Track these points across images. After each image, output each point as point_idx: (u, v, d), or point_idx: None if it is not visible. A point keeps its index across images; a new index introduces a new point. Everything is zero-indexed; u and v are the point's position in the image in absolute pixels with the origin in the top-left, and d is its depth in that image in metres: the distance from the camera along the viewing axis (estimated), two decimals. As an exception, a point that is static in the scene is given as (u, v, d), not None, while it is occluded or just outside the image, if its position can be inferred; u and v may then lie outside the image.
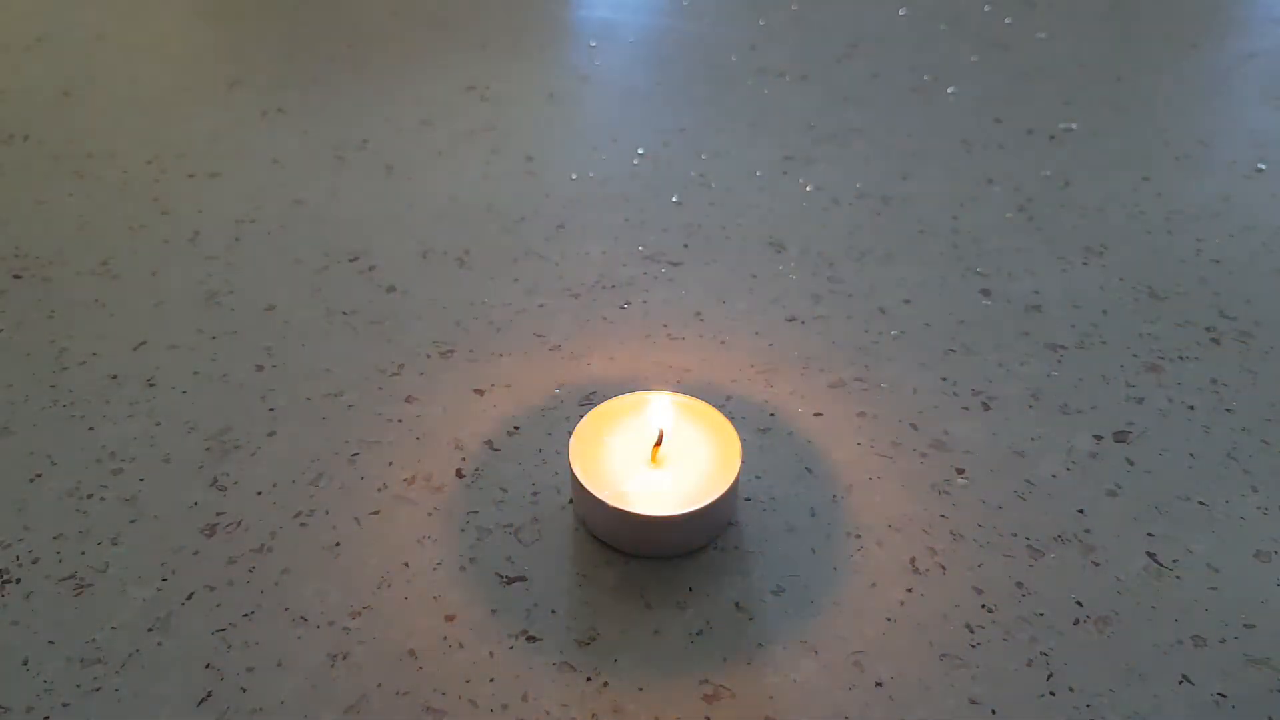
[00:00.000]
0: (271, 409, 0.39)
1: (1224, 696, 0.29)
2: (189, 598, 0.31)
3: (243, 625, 0.31)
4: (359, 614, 0.31)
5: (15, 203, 0.51)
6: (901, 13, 0.73)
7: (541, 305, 0.44)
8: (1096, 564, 0.33)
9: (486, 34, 0.70)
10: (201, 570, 0.32)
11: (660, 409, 0.35)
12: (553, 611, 0.31)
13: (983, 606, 0.31)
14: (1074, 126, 0.58)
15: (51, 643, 0.30)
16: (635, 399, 0.35)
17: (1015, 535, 0.34)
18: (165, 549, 0.33)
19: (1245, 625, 0.31)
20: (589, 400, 0.39)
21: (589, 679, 0.29)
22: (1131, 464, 0.36)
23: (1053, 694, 0.29)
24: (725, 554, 0.33)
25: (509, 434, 0.37)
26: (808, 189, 0.52)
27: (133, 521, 0.34)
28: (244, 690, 0.29)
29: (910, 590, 0.32)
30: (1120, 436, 0.37)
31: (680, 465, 0.33)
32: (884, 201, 0.51)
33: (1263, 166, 0.54)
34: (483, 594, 0.32)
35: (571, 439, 0.34)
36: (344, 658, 0.30)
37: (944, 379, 0.40)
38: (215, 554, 0.33)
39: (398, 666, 0.29)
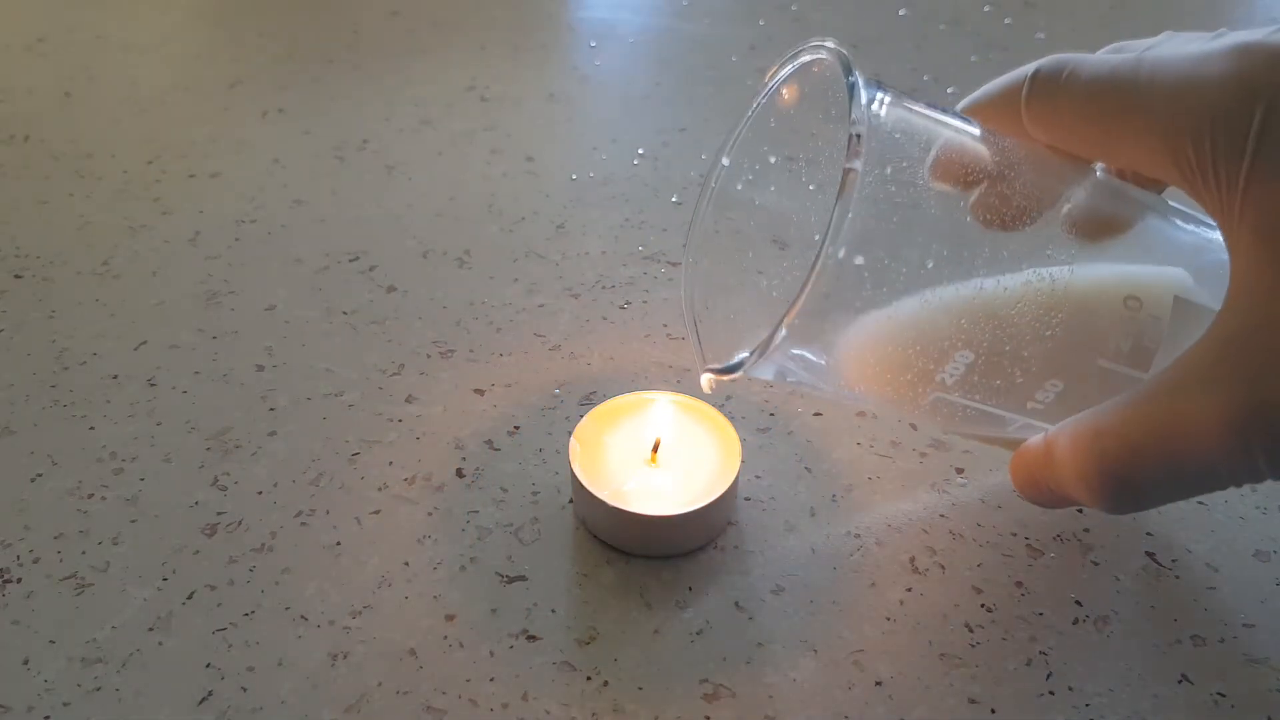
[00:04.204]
0: (272, 409, 0.39)
1: (1223, 696, 0.29)
2: (190, 597, 0.31)
3: (243, 625, 0.31)
4: (359, 613, 0.31)
5: (15, 203, 0.51)
6: (901, 13, 0.74)
7: (541, 305, 0.44)
8: (1096, 563, 0.33)
9: (486, 34, 0.70)
10: (202, 570, 0.32)
11: (659, 413, 0.35)
12: (553, 611, 0.31)
13: (982, 606, 0.31)
14: (1073, 126, 0.58)
15: (52, 642, 0.30)
16: (635, 399, 0.35)
17: (1015, 535, 0.34)
18: (166, 548, 0.33)
19: (1245, 625, 0.31)
20: (589, 400, 0.39)
21: (589, 678, 0.29)
22: (1131, 464, 0.36)
23: (1052, 693, 0.29)
24: (725, 554, 0.33)
25: (509, 434, 0.38)
26: (810, 188, 0.52)
27: (133, 521, 0.34)
28: (244, 689, 0.29)
29: (910, 590, 0.32)
30: (1120, 436, 0.37)
31: (680, 465, 0.33)
32: (884, 201, 0.51)
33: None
34: (483, 594, 0.32)
35: (571, 439, 0.34)
36: (344, 657, 0.30)
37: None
38: (216, 553, 0.33)
39: (398, 666, 0.30)
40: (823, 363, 0.28)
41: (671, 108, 0.61)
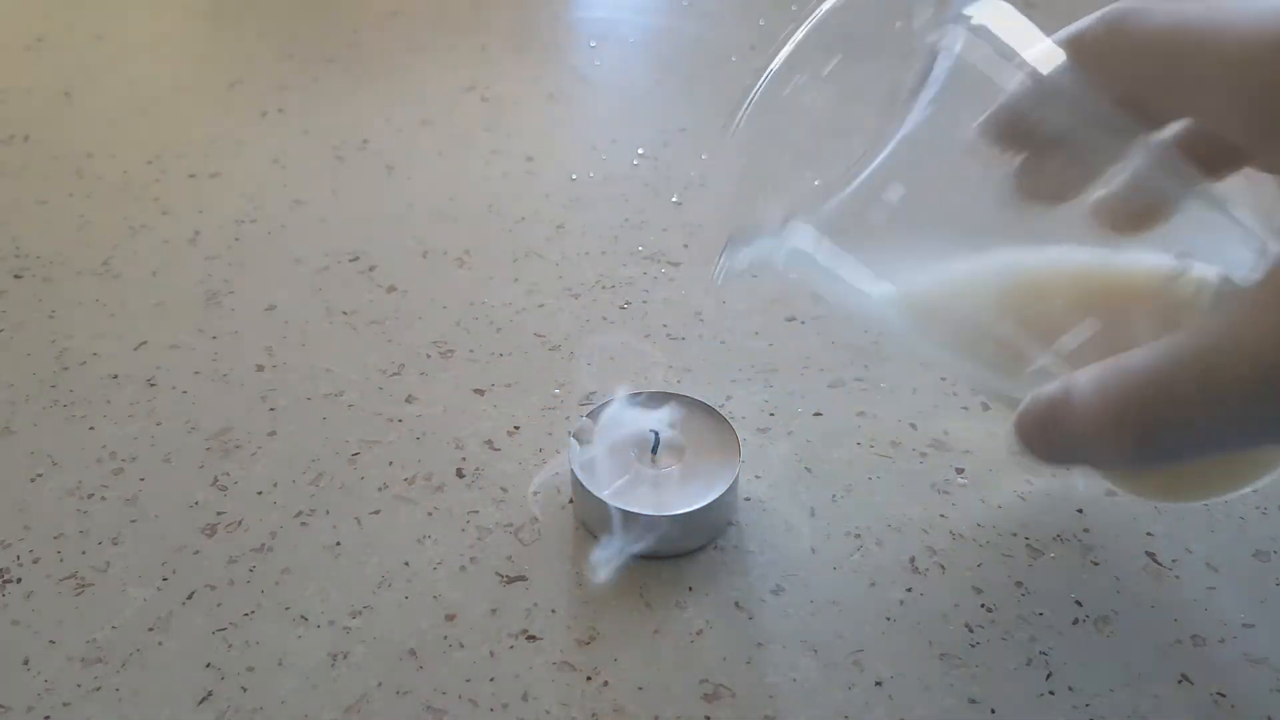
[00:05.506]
0: (272, 409, 0.39)
1: (1223, 696, 0.29)
2: (189, 597, 0.31)
3: (243, 625, 0.31)
4: (359, 613, 0.31)
5: (15, 203, 0.51)
6: (901, 13, 0.73)
7: (541, 305, 0.44)
8: (1096, 563, 0.33)
9: (486, 34, 0.70)
10: (202, 570, 0.32)
11: (659, 413, 0.35)
12: (553, 611, 0.31)
13: (982, 606, 0.31)
14: (1073, 126, 0.58)
15: (52, 642, 0.30)
16: (635, 399, 0.35)
17: (1015, 535, 0.34)
18: (166, 548, 0.33)
19: (1244, 625, 0.31)
20: (589, 400, 0.39)
21: (589, 678, 0.29)
22: (1131, 464, 0.36)
23: (1052, 693, 0.29)
24: (725, 554, 0.33)
25: (509, 434, 0.38)
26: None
27: (133, 521, 0.34)
28: (244, 689, 0.29)
29: (910, 590, 0.32)
30: (1120, 436, 0.37)
31: (680, 465, 0.33)
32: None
33: (1262, 166, 0.54)
34: (483, 594, 0.32)
35: (571, 439, 0.34)
36: (344, 657, 0.30)
37: (943, 379, 0.40)
38: (216, 553, 0.33)
39: (398, 666, 0.30)
40: (859, 265, 0.27)
41: (671, 108, 0.61)
